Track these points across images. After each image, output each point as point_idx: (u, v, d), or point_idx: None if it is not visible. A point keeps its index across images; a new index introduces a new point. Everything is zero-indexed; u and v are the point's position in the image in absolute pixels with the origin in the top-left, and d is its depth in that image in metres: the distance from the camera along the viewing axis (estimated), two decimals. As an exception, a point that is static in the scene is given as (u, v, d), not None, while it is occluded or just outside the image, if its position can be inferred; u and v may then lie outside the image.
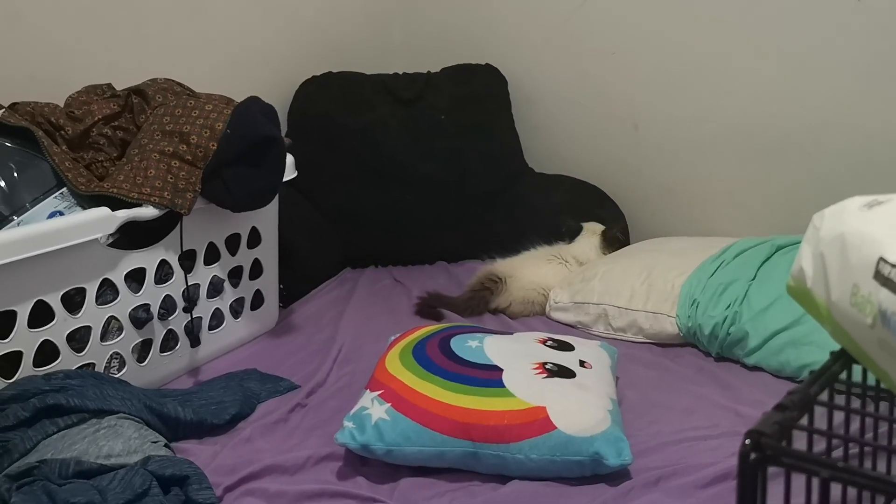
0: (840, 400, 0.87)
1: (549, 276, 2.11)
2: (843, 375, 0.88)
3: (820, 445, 0.94)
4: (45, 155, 1.63)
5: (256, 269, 1.93)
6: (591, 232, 2.21)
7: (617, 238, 2.21)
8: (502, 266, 2.13)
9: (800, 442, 0.79)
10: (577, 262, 2.16)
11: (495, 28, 2.55)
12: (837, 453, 1.03)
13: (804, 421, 0.79)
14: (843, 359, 0.89)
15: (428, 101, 2.44)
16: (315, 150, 2.32)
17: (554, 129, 2.52)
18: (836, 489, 0.73)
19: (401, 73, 2.50)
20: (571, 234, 2.19)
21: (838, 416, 1.13)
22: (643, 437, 1.48)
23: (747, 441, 0.72)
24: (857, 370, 0.91)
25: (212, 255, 1.81)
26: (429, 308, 2.05)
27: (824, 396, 0.84)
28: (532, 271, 2.11)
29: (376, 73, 2.48)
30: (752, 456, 0.72)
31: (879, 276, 0.78)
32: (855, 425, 1.04)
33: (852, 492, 0.83)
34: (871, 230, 0.82)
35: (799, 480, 0.76)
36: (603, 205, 2.37)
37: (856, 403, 0.95)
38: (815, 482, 0.71)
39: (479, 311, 2.05)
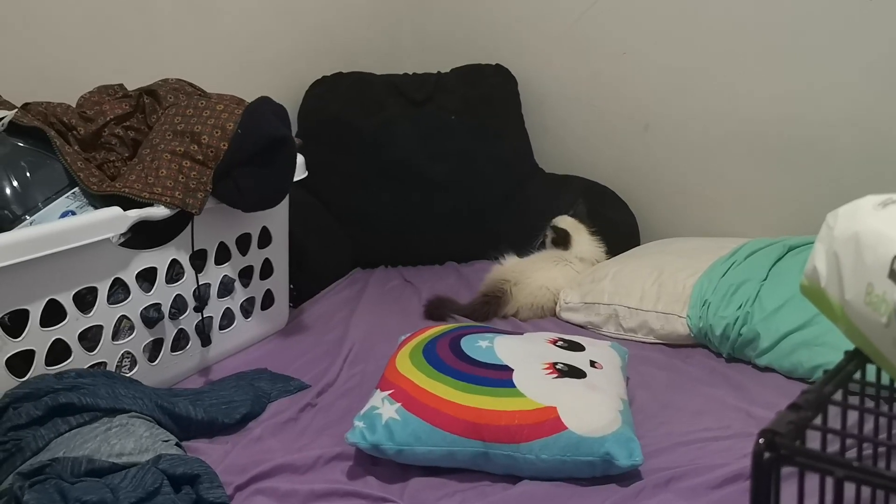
0: (854, 400, 0.87)
1: (558, 278, 2.10)
2: (858, 375, 0.87)
3: (833, 446, 0.93)
4: (58, 155, 1.64)
5: (267, 269, 1.93)
6: (574, 227, 2.20)
7: (586, 210, 2.21)
8: (509, 271, 2.12)
9: (813, 442, 0.78)
10: (579, 260, 2.16)
11: (505, 28, 2.55)
12: (851, 453, 1.02)
13: (818, 421, 0.79)
14: (857, 358, 0.88)
15: (438, 101, 2.44)
16: (325, 151, 2.32)
17: (564, 129, 2.52)
18: (849, 489, 0.73)
19: (411, 73, 2.50)
20: (564, 240, 2.18)
21: (852, 417, 1.12)
22: (654, 438, 1.48)
23: (761, 440, 0.71)
24: (871, 370, 0.91)
25: (223, 255, 1.81)
26: (436, 310, 2.05)
27: (838, 396, 0.84)
28: (540, 274, 2.10)
29: (386, 74, 2.48)
30: (766, 455, 0.71)
31: (894, 275, 0.78)
32: (869, 425, 1.04)
33: (866, 492, 0.82)
34: (886, 229, 0.82)
35: (812, 480, 0.76)
36: (613, 205, 2.37)
37: (870, 404, 0.94)
38: (829, 482, 0.71)
39: (489, 317, 2.05)
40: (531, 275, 2.10)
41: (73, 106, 1.79)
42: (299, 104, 2.43)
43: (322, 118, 2.40)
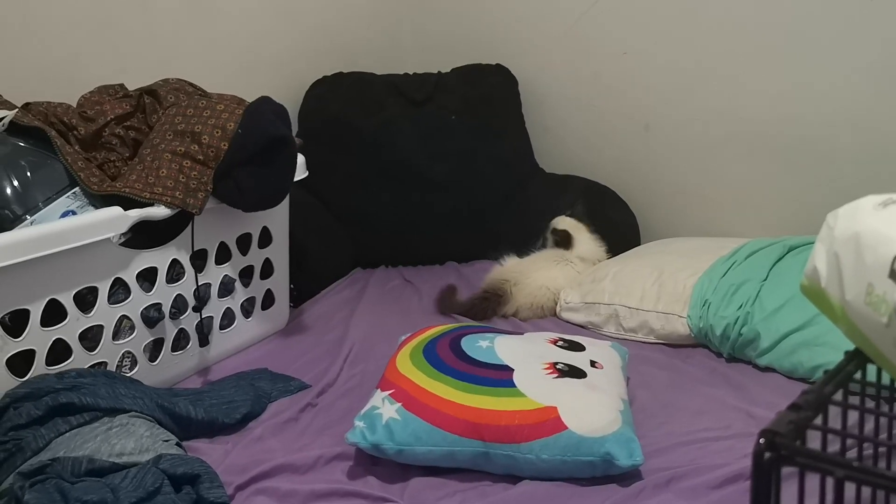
0: (854, 400, 0.87)
1: (558, 278, 2.10)
2: (858, 375, 0.87)
3: (834, 446, 0.93)
4: (58, 155, 1.64)
5: (267, 269, 1.93)
6: (574, 227, 2.20)
7: (586, 210, 2.22)
8: (510, 272, 2.12)
9: (813, 442, 0.78)
10: (580, 260, 2.16)
11: (506, 28, 2.55)
12: (851, 454, 1.02)
13: (818, 421, 0.79)
14: (857, 358, 0.88)
15: (438, 101, 2.44)
16: (326, 151, 2.32)
17: (564, 129, 2.52)
18: (849, 489, 0.73)
19: (411, 73, 2.50)
20: (565, 241, 2.19)
21: (852, 417, 1.12)
22: (655, 438, 1.48)
23: (762, 440, 0.71)
24: (871, 370, 0.91)
25: (223, 255, 1.81)
26: (445, 302, 2.06)
27: (838, 396, 0.84)
28: (540, 274, 2.10)
29: (387, 74, 2.48)
30: (767, 455, 0.71)
31: (895, 275, 0.78)
32: (869, 425, 1.04)
33: (866, 492, 0.82)
34: (886, 229, 0.82)
35: (813, 480, 0.76)
36: (613, 205, 2.37)
37: (870, 404, 0.94)
38: (830, 482, 0.71)
39: (488, 316, 2.05)
40: (531, 275, 2.09)
41: (74, 106, 1.79)
42: (300, 104, 2.43)
43: (322, 118, 2.40)
